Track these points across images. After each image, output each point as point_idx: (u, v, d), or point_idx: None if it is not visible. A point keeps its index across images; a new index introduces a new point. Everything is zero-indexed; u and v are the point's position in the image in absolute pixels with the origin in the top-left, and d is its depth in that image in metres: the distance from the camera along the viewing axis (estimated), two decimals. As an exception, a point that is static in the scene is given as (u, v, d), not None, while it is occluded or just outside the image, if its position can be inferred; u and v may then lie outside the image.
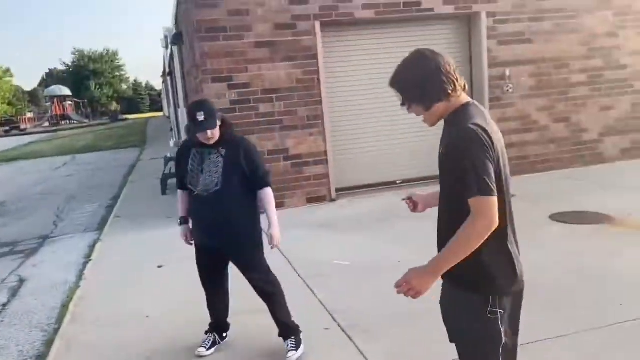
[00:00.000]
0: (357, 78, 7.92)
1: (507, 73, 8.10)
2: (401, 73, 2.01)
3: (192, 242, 3.52)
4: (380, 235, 5.83)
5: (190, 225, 3.49)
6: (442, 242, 1.99)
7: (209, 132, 3.17)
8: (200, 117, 3.14)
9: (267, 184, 3.31)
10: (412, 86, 1.97)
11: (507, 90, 8.12)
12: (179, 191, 3.54)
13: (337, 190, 7.80)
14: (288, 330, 3.48)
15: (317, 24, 7.37)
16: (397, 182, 8.21)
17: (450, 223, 1.91)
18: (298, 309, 4.06)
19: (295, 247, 5.55)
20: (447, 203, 1.96)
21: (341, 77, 7.86)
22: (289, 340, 3.43)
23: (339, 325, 3.74)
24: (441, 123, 2.02)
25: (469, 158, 1.79)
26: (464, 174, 1.79)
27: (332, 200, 7.68)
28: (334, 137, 7.77)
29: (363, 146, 8.09)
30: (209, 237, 3.37)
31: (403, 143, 8.18)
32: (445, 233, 1.94)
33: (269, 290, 3.48)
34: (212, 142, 3.23)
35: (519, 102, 8.20)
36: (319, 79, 7.47)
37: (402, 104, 2.04)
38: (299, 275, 4.79)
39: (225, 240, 3.32)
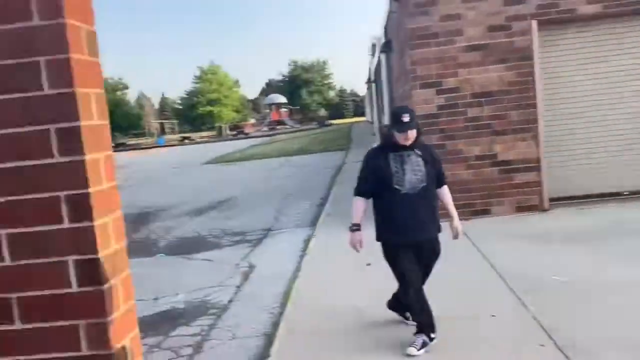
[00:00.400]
0: (578, 80, 7.27)
1: None
2: None
3: (360, 247, 3.72)
4: (605, 252, 5.27)
5: (386, 227, 3.66)
6: None
7: (409, 132, 3.48)
8: (406, 118, 3.48)
9: (446, 182, 3.86)
10: None
11: None
12: (360, 198, 3.70)
13: (551, 199, 7.26)
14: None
15: (534, 23, 6.96)
16: (624, 193, 7.31)
17: None
18: (509, 323, 3.93)
19: (505, 259, 5.35)
20: None
21: (559, 79, 7.29)
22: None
23: (555, 344, 3.51)
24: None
25: None
26: None
27: (544, 210, 7.17)
28: (548, 142, 7.25)
29: (582, 153, 7.39)
30: (420, 232, 3.61)
31: (634, 149, 7.25)
32: None
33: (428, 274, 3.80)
34: (409, 142, 3.53)
35: None
36: (533, 81, 7.06)
37: None
38: (510, 289, 4.60)
39: (432, 231, 3.67)
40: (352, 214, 3.76)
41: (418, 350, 3.55)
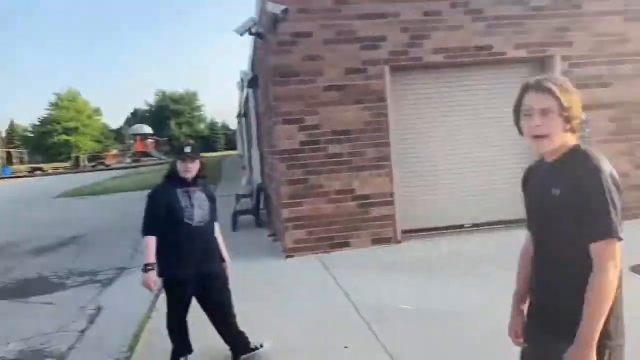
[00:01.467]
0: (426, 121, 7.93)
1: (584, 117, 7.79)
2: (567, 84, 1.93)
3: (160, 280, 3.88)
4: (449, 280, 5.69)
5: (173, 262, 3.77)
6: (554, 292, 1.92)
7: (189, 163, 3.73)
8: (187, 149, 3.79)
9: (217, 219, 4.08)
10: (575, 100, 1.89)
11: (585, 135, 7.80)
12: (151, 237, 3.73)
13: (404, 232, 7.73)
14: (246, 340, 3.99)
15: (387, 69, 7.51)
16: (465, 225, 8.02)
17: (568, 271, 1.85)
18: (359, 353, 4.04)
19: (359, 290, 5.54)
20: (564, 249, 1.87)
21: (410, 120, 7.89)
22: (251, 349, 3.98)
23: (401, 372, 3.67)
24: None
25: (606, 201, 1.75)
26: (597, 216, 1.75)
27: (398, 242, 7.61)
28: (401, 178, 7.76)
29: (431, 188, 8.01)
30: (209, 263, 3.82)
31: (472, 186, 8.02)
32: (561, 281, 1.88)
33: (232, 309, 4.00)
34: (189, 175, 3.76)
35: (597, 146, 7.81)
36: (387, 122, 7.56)
37: (545, 111, 1.87)
38: (362, 319, 4.75)
39: (218, 263, 3.94)
40: (145, 253, 3.76)
41: None
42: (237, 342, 4.00)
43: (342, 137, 7.49)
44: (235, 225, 10.13)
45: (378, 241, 7.57)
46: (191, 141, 4.04)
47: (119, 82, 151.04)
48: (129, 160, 53.74)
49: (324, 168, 7.46)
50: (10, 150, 63.78)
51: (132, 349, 4.55)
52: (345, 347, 4.13)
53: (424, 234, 7.87)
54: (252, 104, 13.94)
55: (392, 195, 7.62)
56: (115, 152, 63.75)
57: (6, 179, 41.01)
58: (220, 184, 23.04)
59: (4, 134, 75.88)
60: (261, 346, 4.00)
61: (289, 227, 7.38)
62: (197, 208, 3.77)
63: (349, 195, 7.53)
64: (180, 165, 3.76)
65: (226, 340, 4.01)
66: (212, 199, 3.95)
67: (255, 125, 13.75)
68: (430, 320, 4.56)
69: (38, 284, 7.42)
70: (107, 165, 49.05)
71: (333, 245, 7.43)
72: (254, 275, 6.63)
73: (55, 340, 4.98)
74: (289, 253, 7.36)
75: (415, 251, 7.17)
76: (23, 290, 7.14)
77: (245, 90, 15.88)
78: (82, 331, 5.20)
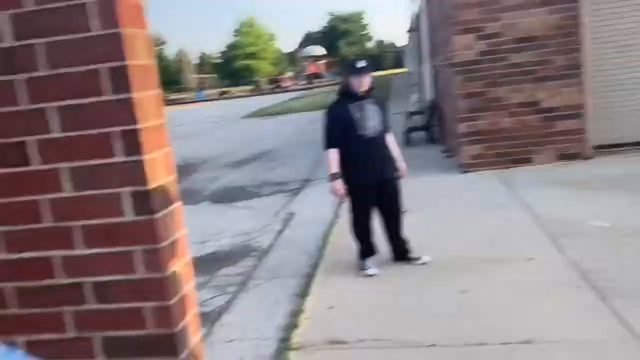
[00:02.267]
0: (629, 25, 6.92)
1: None
2: None
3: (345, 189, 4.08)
4: (648, 199, 5.17)
5: (355, 171, 4.02)
6: None
7: (362, 76, 3.92)
8: (361, 64, 3.95)
9: (390, 129, 4.23)
10: None
11: None
12: (332, 150, 4.04)
13: (595, 147, 7.08)
14: (409, 247, 4.27)
15: (583, -38, 6.60)
16: (674, 141, 7.04)
17: None
18: (542, 265, 3.97)
19: (544, 205, 5.34)
20: None
21: (611, 20, 6.95)
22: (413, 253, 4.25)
23: (592, 286, 3.54)
24: None
25: None
26: None
27: (588, 158, 7.01)
28: (595, 88, 7.00)
29: (630, 99, 7.11)
30: (385, 171, 4.06)
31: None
32: None
33: (401, 210, 4.23)
34: (363, 89, 3.95)
35: None
36: (579, 24, 6.76)
37: None
38: (545, 233, 4.60)
39: (393, 170, 4.14)
40: (329, 165, 4.08)
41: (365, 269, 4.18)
42: (400, 247, 4.28)
43: (526, 44, 6.92)
44: (408, 141, 10.22)
45: (564, 157, 7.07)
46: (363, 57, 4.23)
47: (290, 7, 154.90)
48: (303, 82, 56.14)
49: (505, 79, 7.04)
50: (202, 76, 70.96)
51: (321, 247, 5.05)
52: (530, 259, 4.09)
53: (621, 149, 7.12)
54: (424, 16, 13.43)
55: (582, 107, 6.96)
56: (289, 74, 67.00)
57: (200, 102, 46.20)
58: (390, 102, 23.13)
59: (195, 62, 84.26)
60: (419, 258, 4.21)
61: (465, 142, 7.24)
62: (369, 119, 3.98)
63: (531, 107, 7.06)
64: (354, 80, 3.96)
65: (392, 242, 4.29)
66: (383, 109, 4.13)
67: (427, 38, 13.29)
68: (626, 239, 4.25)
69: (238, 192, 8.48)
70: (283, 88, 51.94)
71: (513, 160, 7.13)
72: (429, 188, 6.74)
73: (258, 238, 5.75)
74: (465, 168, 7.27)
75: (609, 168, 6.56)
76: (227, 196, 8.24)
77: (418, 2, 15.30)
78: (279, 231, 5.90)
